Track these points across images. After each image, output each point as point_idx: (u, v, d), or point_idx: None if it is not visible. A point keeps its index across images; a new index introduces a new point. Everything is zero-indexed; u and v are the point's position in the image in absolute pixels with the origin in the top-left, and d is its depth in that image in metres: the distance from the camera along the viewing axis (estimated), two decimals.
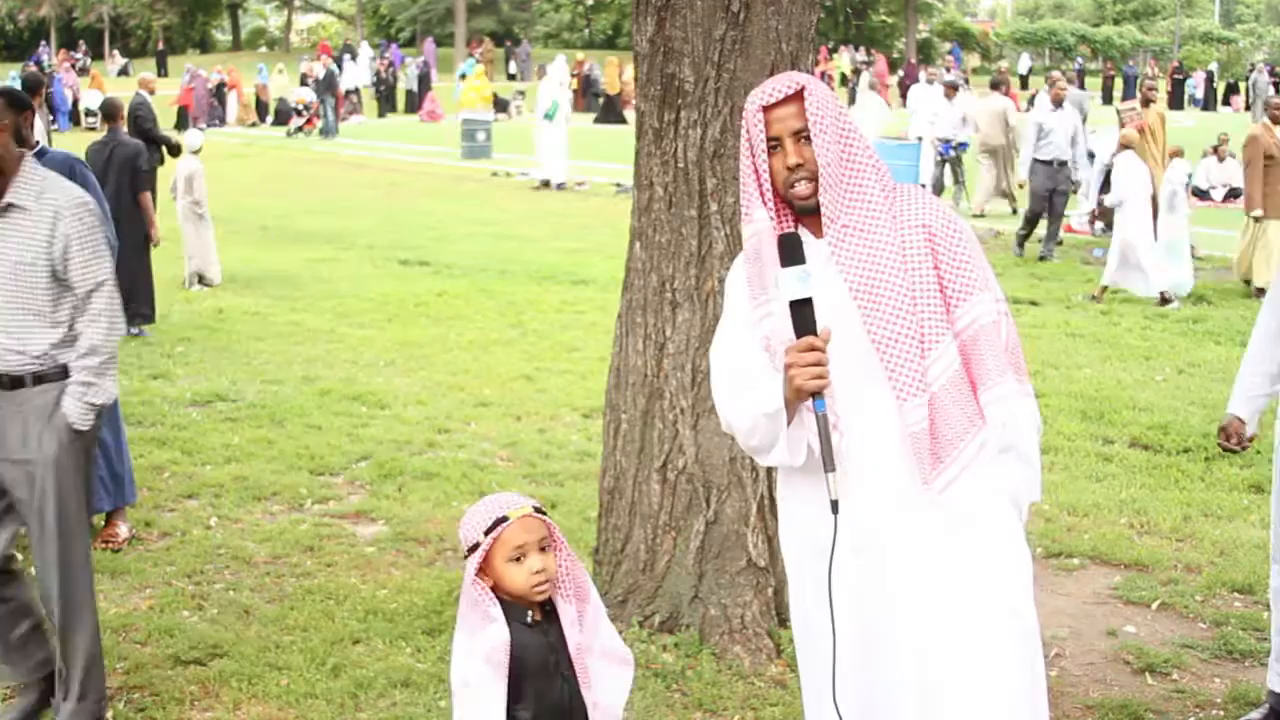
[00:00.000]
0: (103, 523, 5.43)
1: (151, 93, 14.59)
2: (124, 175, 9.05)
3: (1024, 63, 45.86)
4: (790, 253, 2.51)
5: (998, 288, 2.65)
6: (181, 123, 28.86)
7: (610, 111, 32.37)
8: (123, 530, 5.36)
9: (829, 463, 2.49)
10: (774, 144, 2.60)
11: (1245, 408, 3.99)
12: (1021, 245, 13.48)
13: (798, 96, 2.57)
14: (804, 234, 2.61)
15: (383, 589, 4.89)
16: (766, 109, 2.59)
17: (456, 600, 2.57)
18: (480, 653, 2.45)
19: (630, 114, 32.27)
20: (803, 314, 2.50)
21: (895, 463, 2.57)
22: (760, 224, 2.63)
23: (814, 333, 2.49)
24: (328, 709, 3.95)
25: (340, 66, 34.56)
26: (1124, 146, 11.74)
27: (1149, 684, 4.26)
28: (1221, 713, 4.06)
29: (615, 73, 33.58)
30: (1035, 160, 13.31)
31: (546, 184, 19.54)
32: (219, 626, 4.54)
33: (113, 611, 4.65)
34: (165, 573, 5.04)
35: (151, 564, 5.12)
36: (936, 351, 2.54)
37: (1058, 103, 13.48)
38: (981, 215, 16.38)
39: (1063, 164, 13.29)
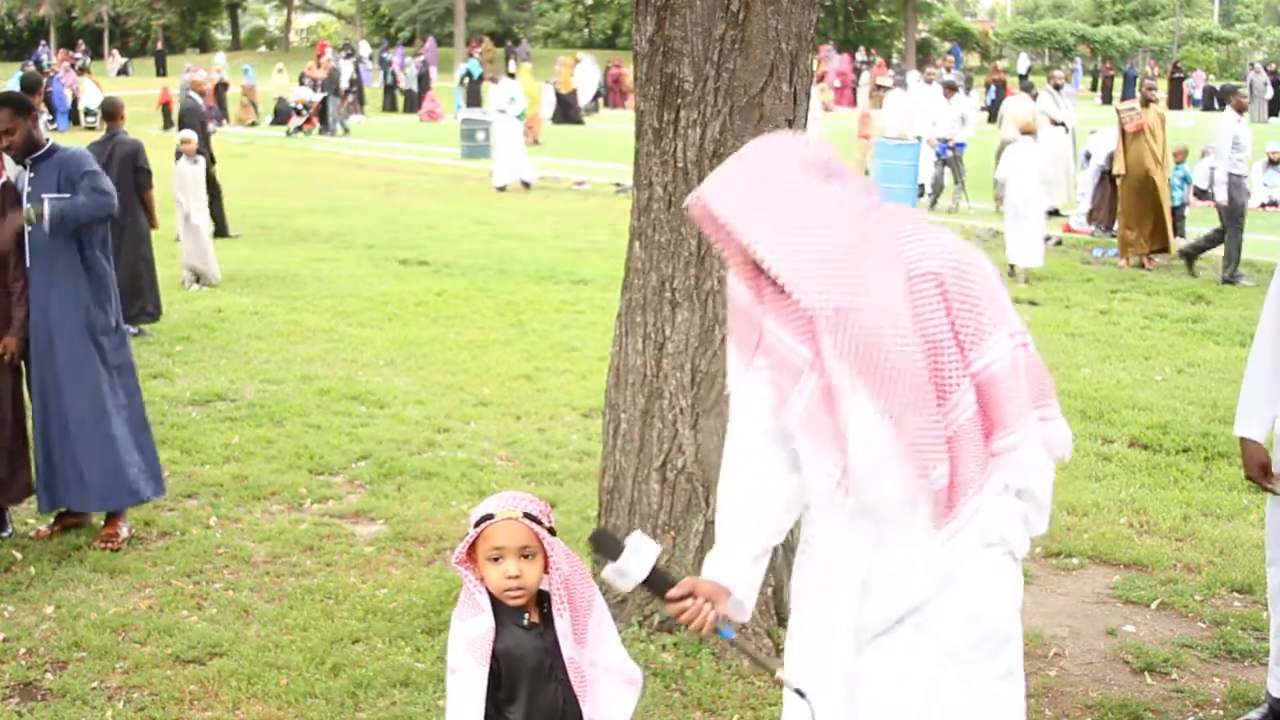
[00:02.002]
0: (102, 522, 5.43)
1: (203, 94, 14.70)
2: (125, 173, 9.05)
3: (1023, 62, 45.87)
4: (604, 549, 2.45)
5: (1014, 318, 2.45)
6: (165, 122, 29.13)
7: (565, 111, 32.28)
8: (123, 530, 5.36)
9: (769, 672, 2.49)
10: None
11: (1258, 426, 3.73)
12: (1192, 263, 12.75)
13: (705, 217, 2.43)
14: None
15: (382, 588, 4.89)
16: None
17: (456, 599, 2.57)
18: (465, 639, 2.46)
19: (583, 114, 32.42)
20: (653, 585, 2.47)
21: (910, 520, 2.46)
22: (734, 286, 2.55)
23: (673, 585, 2.46)
24: (327, 708, 3.95)
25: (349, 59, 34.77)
26: (1024, 132, 12.44)
27: (1148, 684, 4.26)
28: (1221, 712, 4.06)
29: (569, 72, 33.56)
30: (1230, 174, 12.22)
31: (527, 185, 19.38)
32: (218, 626, 4.54)
33: (112, 611, 4.65)
34: (165, 572, 5.04)
35: (151, 563, 5.12)
36: (953, 399, 2.39)
37: (1241, 110, 12.74)
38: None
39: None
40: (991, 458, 2.46)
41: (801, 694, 2.43)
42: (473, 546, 2.52)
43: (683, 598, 2.44)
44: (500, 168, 19.62)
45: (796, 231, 2.30)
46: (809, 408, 2.44)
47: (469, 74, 32.28)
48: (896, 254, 2.36)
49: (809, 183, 2.34)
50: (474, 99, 30.23)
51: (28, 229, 5.23)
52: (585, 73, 35.53)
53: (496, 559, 2.49)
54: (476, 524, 2.50)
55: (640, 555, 2.45)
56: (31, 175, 5.28)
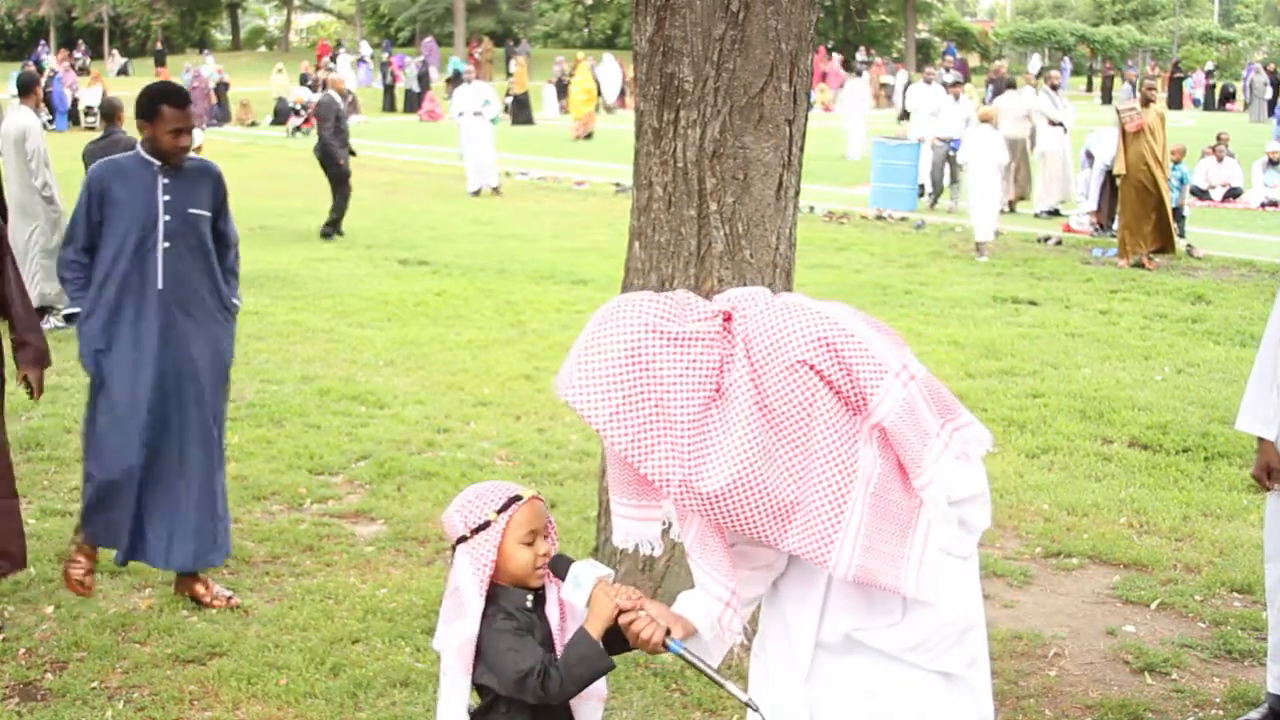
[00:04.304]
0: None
1: (342, 94, 14.95)
2: None
3: (1034, 63, 45.80)
4: (557, 570, 2.50)
5: (894, 355, 2.38)
6: None
7: (520, 111, 32.28)
8: (215, 587, 4.86)
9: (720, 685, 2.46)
10: None
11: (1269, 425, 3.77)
12: None
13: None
14: None
15: (382, 588, 4.89)
16: None
17: None
18: (456, 644, 2.46)
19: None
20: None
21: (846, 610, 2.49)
22: None
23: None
24: (327, 708, 3.95)
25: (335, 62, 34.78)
26: (983, 120, 13.73)
27: (1148, 684, 4.26)
28: (1221, 712, 4.07)
29: (524, 74, 33.70)
30: None
31: (493, 190, 18.85)
32: (218, 626, 4.54)
33: (112, 611, 4.65)
34: (165, 572, 5.03)
35: None
36: (852, 495, 2.33)
37: None
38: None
39: None
40: (914, 499, 2.42)
41: (754, 707, 2.43)
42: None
43: (633, 609, 2.44)
44: (482, 171, 18.95)
45: (635, 412, 2.28)
46: (699, 534, 2.47)
47: (456, 73, 32.30)
48: (759, 366, 2.33)
49: (651, 353, 2.29)
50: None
51: (163, 245, 4.59)
52: (609, 72, 35.73)
53: (530, 542, 2.51)
54: (501, 509, 2.49)
55: (592, 566, 2.48)
56: (166, 181, 4.64)
